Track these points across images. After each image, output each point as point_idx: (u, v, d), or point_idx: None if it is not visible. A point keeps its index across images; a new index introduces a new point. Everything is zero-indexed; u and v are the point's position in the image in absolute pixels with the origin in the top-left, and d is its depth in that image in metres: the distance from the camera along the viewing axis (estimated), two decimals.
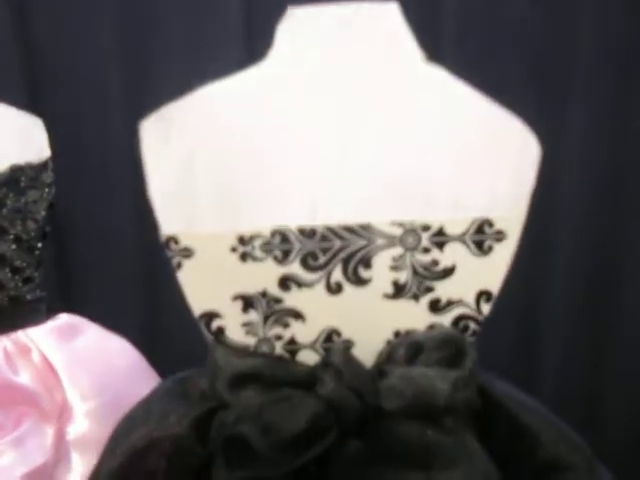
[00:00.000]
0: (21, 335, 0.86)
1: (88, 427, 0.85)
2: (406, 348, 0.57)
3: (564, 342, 1.22)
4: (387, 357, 0.57)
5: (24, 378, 0.83)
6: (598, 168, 1.15)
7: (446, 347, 0.56)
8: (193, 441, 0.55)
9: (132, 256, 1.21)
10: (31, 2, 1.14)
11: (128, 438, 0.57)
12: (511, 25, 1.10)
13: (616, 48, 1.11)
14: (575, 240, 1.17)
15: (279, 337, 0.57)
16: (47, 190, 0.89)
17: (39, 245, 0.89)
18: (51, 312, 0.91)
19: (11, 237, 0.86)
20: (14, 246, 0.86)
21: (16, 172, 0.86)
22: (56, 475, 0.84)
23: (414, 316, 0.56)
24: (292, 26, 0.53)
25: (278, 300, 0.56)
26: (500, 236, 0.54)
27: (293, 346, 0.57)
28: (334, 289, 0.56)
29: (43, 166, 0.89)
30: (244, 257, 0.54)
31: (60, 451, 0.85)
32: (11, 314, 0.86)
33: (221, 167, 0.54)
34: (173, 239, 0.54)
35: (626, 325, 1.21)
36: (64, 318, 0.91)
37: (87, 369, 0.87)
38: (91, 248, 1.21)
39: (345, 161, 0.54)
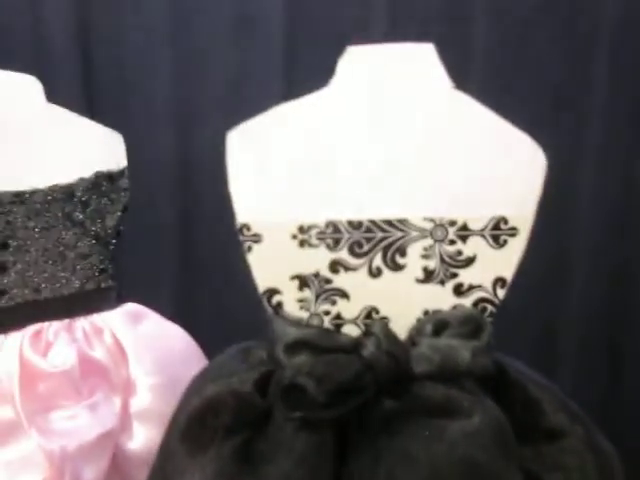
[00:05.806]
0: (96, 317, 0.99)
1: (149, 401, 0.96)
2: (433, 324, 0.68)
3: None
4: (417, 331, 0.68)
5: (98, 353, 0.96)
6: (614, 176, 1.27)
7: (467, 324, 0.67)
8: (254, 396, 0.67)
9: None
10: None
11: (201, 392, 0.69)
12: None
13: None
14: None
15: (327, 312, 0.69)
16: (123, 194, 1.03)
17: (113, 242, 1.03)
18: (120, 300, 1.04)
19: (92, 234, 1.00)
20: (94, 241, 1.00)
21: (99, 178, 1.00)
22: (120, 441, 0.96)
23: (441, 298, 0.68)
24: (349, 60, 0.67)
25: (328, 281, 0.68)
26: (513, 232, 0.66)
27: (339, 321, 0.69)
28: (375, 273, 0.68)
29: (121, 173, 1.03)
30: (302, 243, 0.67)
31: (124, 420, 0.97)
32: (89, 300, 1.00)
33: (287, 172, 0.67)
34: (246, 226, 0.66)
35: None
36: (131, 306, 1.04)
37: (150, 350, 1.00)
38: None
39: (387, 168, 0.67)
